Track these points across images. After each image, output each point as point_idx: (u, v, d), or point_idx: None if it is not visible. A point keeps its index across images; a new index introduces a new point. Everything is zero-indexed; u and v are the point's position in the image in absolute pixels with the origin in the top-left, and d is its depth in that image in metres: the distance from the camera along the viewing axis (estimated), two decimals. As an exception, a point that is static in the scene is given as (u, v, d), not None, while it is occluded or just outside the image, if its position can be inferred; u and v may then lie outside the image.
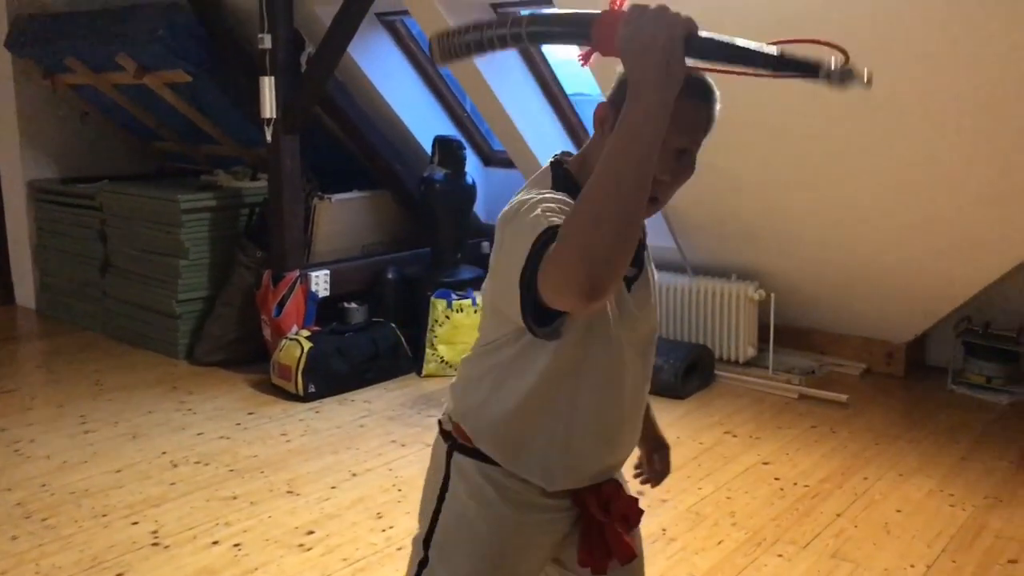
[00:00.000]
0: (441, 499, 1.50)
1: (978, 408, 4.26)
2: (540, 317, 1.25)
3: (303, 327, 4.72)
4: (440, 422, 1.55)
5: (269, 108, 4.57)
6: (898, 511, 3.21)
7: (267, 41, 4.54)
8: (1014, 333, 4.36)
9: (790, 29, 3.45)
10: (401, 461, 3.67)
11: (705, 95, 1.36)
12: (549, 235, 1.20)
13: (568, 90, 5.01)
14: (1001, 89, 3.39)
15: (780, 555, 2.90)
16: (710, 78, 1.36)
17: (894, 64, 3.50)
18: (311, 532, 3.06)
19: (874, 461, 3.65)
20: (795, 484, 3.44)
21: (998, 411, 4.23)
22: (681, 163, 1.36)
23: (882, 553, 2.91)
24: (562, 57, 4.97)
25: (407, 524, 3.12)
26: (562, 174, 1.42)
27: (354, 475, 3.54)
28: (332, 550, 2.94)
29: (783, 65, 1.15)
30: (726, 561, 2.86)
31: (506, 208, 1.35)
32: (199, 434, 3.95)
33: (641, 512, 1.55)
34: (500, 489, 1.45)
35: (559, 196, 1.32)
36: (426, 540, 1.51)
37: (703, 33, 1.16)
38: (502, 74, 4.72)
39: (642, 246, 1.50)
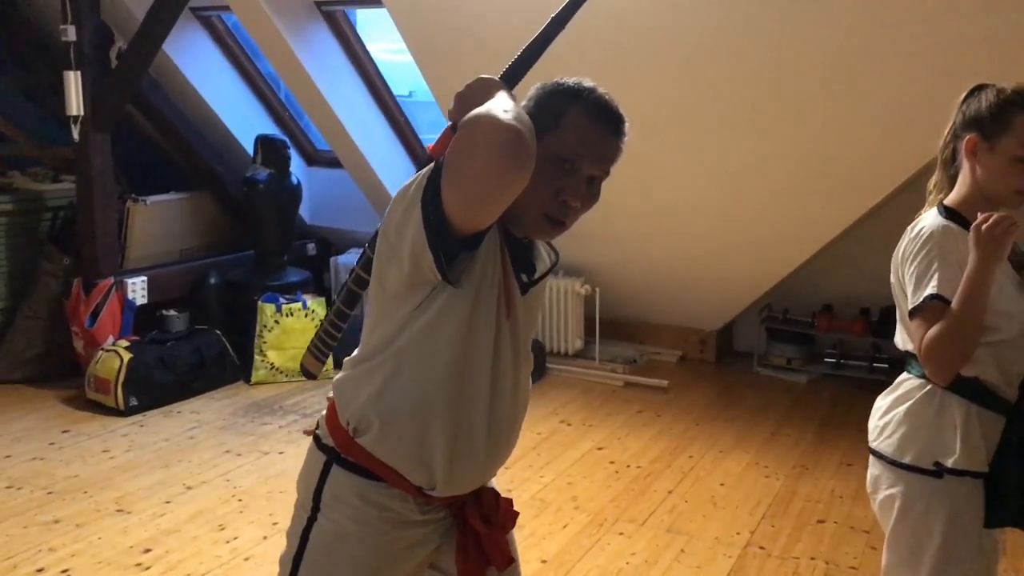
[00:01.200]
0: (313, 518, 1.46)
1: (781, 387, 4.67)
2: (446, 242, 1.28)
3: (120, 337, 4.45)
4: (317, 435, 1.51)
5: (76, 105, 4.28)
6: (722, 484, 3.47)
7: (71, 33, 4.25)
8: (809, 318, 4.81)
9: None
10: (238, 471, 3.55)
11: (619, 129, 1.41)
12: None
13: (395, 91, 5.02)
14: (792, 98, 3.73)
15: (621, 533, 3.07)
16: (621, 110, 1.42)
17: (697, 81, 3.78)
18: (148, 550, 2.91)
19: (696, 440, 3.93)
20: (628, 466, 3.64)
21: (798, 389, 4.65)
22: (591, 190, 1.42)
23: (711, 524, 3.14)
24: (389, 59, 4.98)
25: (252, 534, 3.04)
26: None
27: (189, 488, 3.39)
28: (173, 567, 2.81)
29: (567, 11, 1.46)
30: (572, 543, 2.99)
31: (395, 198, 1.36)
32: (7, 457, 3.64)
33: (516, 515, 1.58)
34: (379, 509, 1.43)
35: None
36: (296, 558, 1.47)
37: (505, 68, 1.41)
38: (330, 74, 4.66)
39: (550, 265, 1.55)
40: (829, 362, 4.79)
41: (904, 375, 1.84)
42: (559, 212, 1.39)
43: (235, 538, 3.01)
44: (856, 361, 4.72)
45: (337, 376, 1.50)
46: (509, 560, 1.54)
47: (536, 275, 1.51)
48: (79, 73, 4.29)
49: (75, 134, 4.35)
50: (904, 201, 3.90)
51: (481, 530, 1.49)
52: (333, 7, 4.51)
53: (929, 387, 1.76)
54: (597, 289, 4.89)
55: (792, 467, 3.64)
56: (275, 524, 3.10)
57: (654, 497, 3.36)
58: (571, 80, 1.42)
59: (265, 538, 3.01)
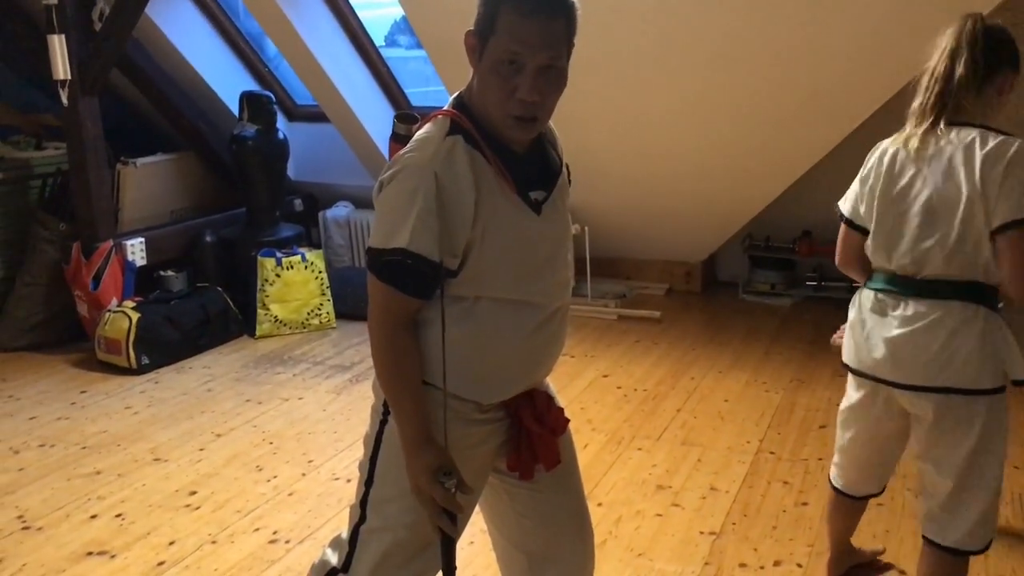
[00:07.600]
0: (384, 421, 1.60)
1: (767, 312, 4.90)
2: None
3: (123, 299, 4.50)
4: None
5: (63, 69, 4.27)
6: (725, 401, 3.68)
7: (53, -4, 4.23)
8: (790, 244, 5.02)
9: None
10: (263, 417, 3.67)
11: (553, 13, 1.38)
12: (387, 260, 1.44)
13: (378, 42, 5.07)
14: (768, 29, 3.84)
15: (640, 448, 3.27)
16: None
17: (671, 17, 3.84)
18: (194, 492, 3.04)
19: (695, 363, 4.13)
20: (635, 390, 3.84)
21: (783, 312, 4.88)
22: (547, 79, 1.41)
23: (721, 436, 3.35)
24: (371, 15, 5.01)
25: (290, 472, 3.18)
26: (457, 122, 1.48)
27: (219, 436, 3.50)
28: (222, 505, 2.95)
29: None
30: (596, 459, 3.18)
31: (385, 168, 1.47)
32: (32, 418, 3.72)
33: (567, 421, 1.70)
34: (441, 408, 1.55)
35: (425, 175, 1.42)
36: (372, 458, 1.62)
37: None
38: (316, 30, 4.69)
39: (560, 165, 1.61)
40: (811, 285, 5.03)
41: (936, 304, 1.82)
42: (522, 110, 1.42)
43: (275, 476, 3.14)
44: (836, 283, 4.94)
45: None
46: (557, 460, 1.64)
47: (543, 193, 1.56)
48: (63, 37, 4.26)
49: (64, 99, 4.34)
50: (875, 126, 4.08)
51: (533, 429, 1.60)
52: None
53: (983, 310, 1.81)
54: (586, 228, 5.04)
55: (789, 381, 3.87)
56: (310, 462, 3.25)
57: (664, 415, 3.56)
58: None
59: (304, 475, 3.15)
